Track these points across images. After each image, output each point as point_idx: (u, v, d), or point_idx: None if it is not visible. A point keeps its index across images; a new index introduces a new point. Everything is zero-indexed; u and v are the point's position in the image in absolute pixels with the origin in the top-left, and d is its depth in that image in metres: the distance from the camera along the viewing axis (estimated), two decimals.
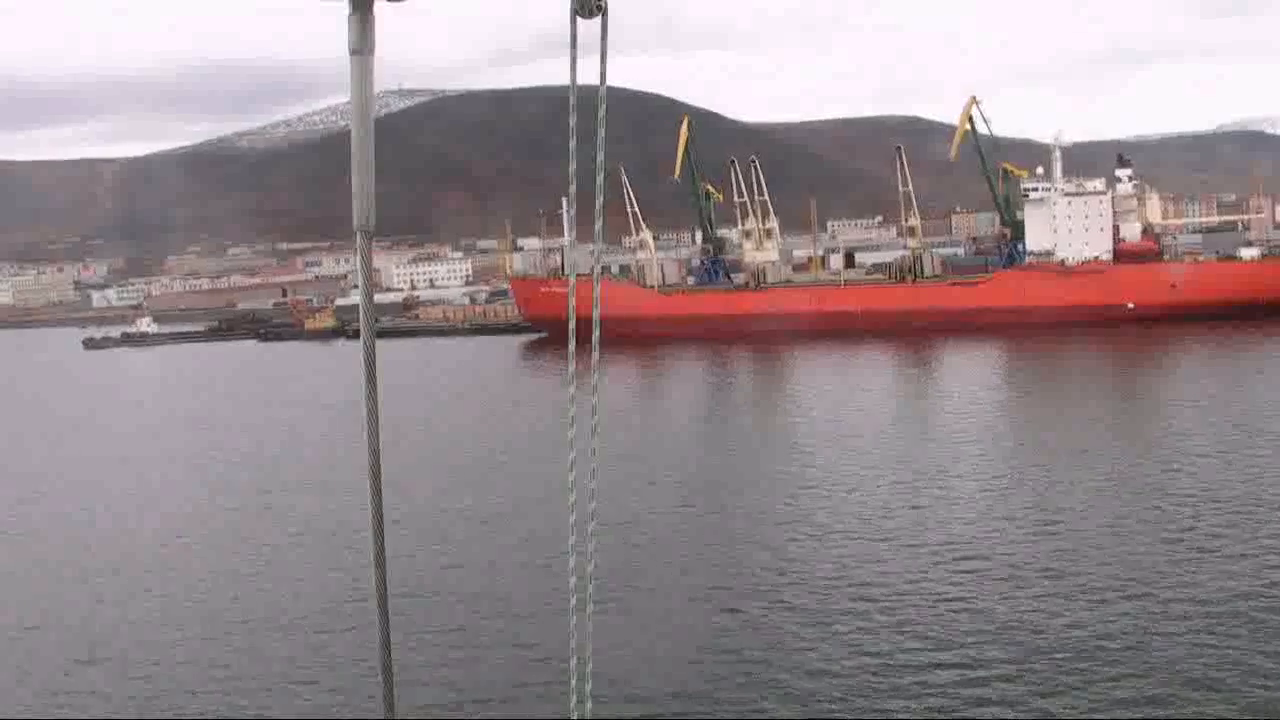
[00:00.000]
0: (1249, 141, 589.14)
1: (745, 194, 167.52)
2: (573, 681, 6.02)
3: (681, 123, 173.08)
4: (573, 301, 5.84)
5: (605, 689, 37.79)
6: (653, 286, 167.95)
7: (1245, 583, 47.72)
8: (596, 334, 5.21)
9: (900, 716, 38.09)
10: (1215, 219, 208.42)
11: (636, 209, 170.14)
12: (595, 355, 5.27)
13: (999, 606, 46.96)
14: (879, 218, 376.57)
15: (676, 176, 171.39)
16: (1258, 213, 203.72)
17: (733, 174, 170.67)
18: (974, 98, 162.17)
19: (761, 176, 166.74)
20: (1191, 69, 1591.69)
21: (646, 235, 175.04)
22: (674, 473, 77.43)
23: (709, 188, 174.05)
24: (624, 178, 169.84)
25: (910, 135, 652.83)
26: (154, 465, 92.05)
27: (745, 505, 67.57)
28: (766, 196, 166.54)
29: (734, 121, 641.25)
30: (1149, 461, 71.76)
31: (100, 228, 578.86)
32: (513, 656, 44.71)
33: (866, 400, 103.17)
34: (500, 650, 45.60)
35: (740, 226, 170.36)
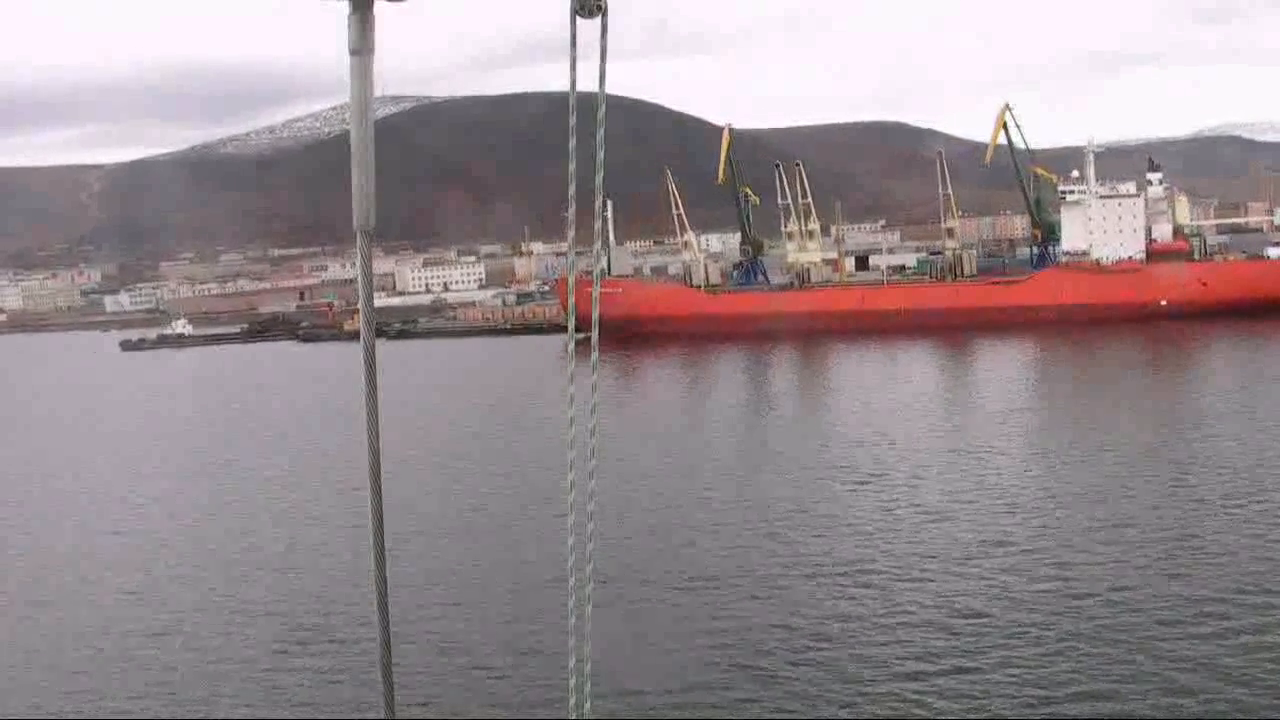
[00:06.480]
0: (1229, 147, 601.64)
1: (789, 196, 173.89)
2: (572, 681, 5.95)
3: (723, 131, 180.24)
4: (577, 299, 5.76)
5: (605, 689, 38.55)
6: (698, 286, 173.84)
7: None
8: (596, 334, 5.36)
9: (904, 716, 38.41)
10: (1215, 222, 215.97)
11: (682, 210, 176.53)
12: (594, 355, 5.35)
13: (1006, 605, 47.80)
14: (882, 221, 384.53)
15: (720, 181, 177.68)
16: (1266, 214, 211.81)
17: (776, 178, 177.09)
18: (1007, 104, 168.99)
19: (806, 180, 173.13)
20: (1166, 76, 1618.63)
21: (691, 236, 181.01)
22: (686, 470, 79.13)
23: (748, 191, 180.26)
24: (669, 180, 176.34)
25: (900, 140, 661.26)
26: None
27: (752, 502, 68.18)
28: (810, 199, 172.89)
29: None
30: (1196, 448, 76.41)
31: (90, 234, 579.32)
32: (512, 657, 45.31)
33: (903, 396, 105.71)
34: (500, 650, 46.22)
35: (784, 228, 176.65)
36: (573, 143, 5.21)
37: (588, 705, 5.94)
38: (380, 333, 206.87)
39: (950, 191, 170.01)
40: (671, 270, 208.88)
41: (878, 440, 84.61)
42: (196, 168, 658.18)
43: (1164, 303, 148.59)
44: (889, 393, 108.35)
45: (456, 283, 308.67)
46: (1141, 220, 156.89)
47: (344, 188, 4.54)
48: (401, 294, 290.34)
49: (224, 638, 51.13)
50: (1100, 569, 52.18)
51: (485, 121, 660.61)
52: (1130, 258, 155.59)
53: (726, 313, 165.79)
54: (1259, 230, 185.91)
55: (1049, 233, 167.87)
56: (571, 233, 6.02)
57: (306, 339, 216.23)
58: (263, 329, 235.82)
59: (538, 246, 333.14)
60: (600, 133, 5.12)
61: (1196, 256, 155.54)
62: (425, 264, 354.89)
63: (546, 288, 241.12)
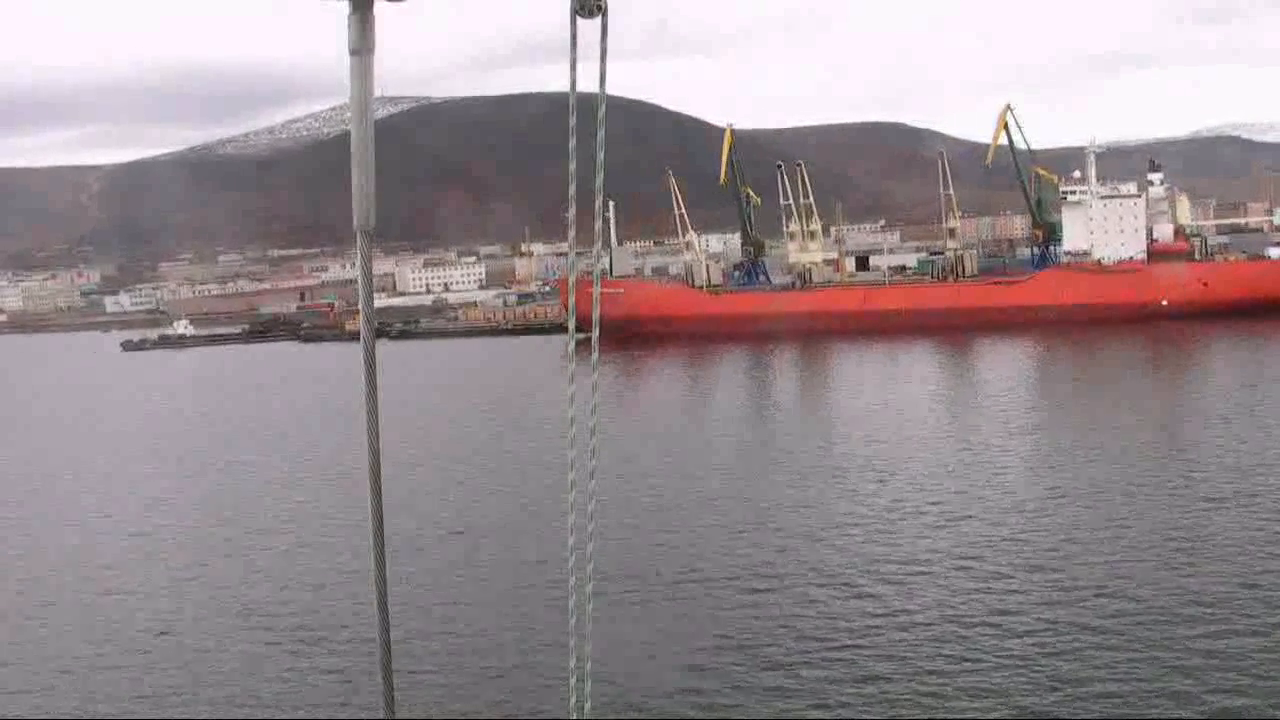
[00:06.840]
0: (1229, 147, 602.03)
1: (790, 197, 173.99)
2: (572, 681, 5.97)
3: (725, 133, 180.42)
4: (578, 299, 5.81)
5: (605, 689, 38.51)
6: (700, 286, 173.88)
7: None
8: (596, 334, 5.41)
9: (906, 716, 38.46)
10: (1215, 222, 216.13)
11: (684, 210, 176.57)
12: (595, 355, 5.36)
13: (1015, 603, 47.80)
14: (882, 221, 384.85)
15: (722, 182, 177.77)
16: (1266, 215, 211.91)
17: (778, 178, 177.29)
18: (1008, 105, 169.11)
19: (808, 180, 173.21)
20: (1166, 76, 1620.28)
21: (693, 237, 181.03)
22: (687, 470, 79.10)
23: (749, 191, 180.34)
24: (672, 180, 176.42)
25: (900, 141, 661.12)
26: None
27: (753, 502, 68.15)
28: (812, 199, 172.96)
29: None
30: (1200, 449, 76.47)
31: (90, 234, 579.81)
32: (512, 657, 45.43)
33: (905, 396, 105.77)
34: (500, 650, 46.36)
35: (785, 228, 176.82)
36: (573, 143, 5.19)
37: (588, 705, 5.94)
38: (381, 333, 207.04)
39: (951, 192, 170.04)
40: (673, 270, 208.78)
41: (879, 440, 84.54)
42: (196, 168, 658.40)
43: (1165, 303, 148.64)
44: (890, 393, 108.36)
45: (457, 283, 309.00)
46: (1143, 220, 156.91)
47: (344, 188, 4.53)
48: (402, 294, 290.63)
49: (224, 637, 51.17)
50: (1105, 568, 52.13)
51: (485, 121, 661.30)
52: (1131, 258, 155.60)
53: (728, 313, 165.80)
54: (1259, 230, 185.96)
55: (1050, 233, 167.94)
56: (572, 233, 5.95)
57: (308, 339, 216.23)
58: (264, 330, 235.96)
59: (538, 247, 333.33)
60: (600, 133, 5.09)
61: (1197, 257, 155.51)
62: (425, 264, 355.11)
63: (547, 288, 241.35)
